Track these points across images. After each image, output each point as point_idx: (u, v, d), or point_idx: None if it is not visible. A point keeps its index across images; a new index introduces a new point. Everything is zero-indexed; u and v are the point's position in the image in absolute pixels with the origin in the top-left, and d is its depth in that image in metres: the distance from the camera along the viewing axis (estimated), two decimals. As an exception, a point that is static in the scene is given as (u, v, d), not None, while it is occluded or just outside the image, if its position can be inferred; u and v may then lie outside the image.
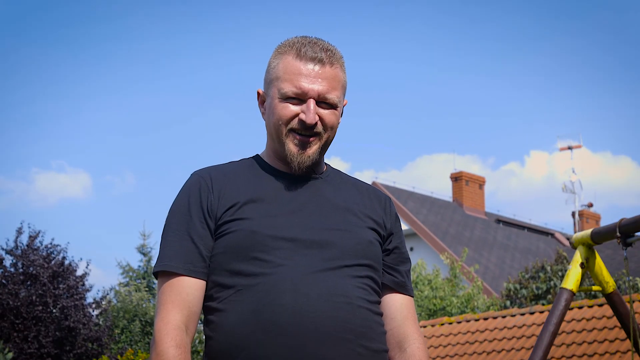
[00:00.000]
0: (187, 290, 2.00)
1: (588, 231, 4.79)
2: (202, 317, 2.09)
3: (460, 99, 37.74)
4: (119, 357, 12.09)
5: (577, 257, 4.76)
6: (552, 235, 29.84)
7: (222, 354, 1.97)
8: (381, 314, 2.09)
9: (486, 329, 9.85)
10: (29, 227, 15.31)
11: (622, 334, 8.23)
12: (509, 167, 43.00)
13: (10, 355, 12.38)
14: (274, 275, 1.96)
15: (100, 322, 15.74)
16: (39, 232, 15.36)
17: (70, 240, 42.72)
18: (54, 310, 14.61)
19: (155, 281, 5.50)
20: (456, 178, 28.51)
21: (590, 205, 30.22)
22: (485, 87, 37.36)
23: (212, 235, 2.05)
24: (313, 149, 2.09)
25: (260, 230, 2.00)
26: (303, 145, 2.08)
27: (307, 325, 1.92)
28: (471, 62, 36.62)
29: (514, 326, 9.61)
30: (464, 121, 38.54)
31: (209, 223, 2.05)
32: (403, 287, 2.17)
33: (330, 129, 2.10)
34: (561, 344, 8.71)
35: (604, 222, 25.89)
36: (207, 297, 2.04)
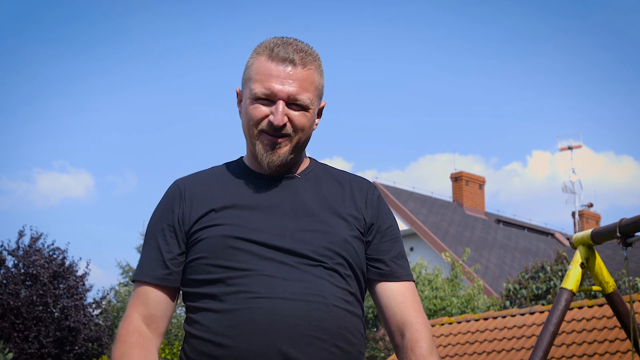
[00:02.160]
0: (147, 295, 2.08)
1: (588, 231, 4.78)
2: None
3: (462, 99, 37.79)
4: (119, 357, 12.07)
5: (577, 257, 4.76)
6: (552, 235, 29.84)
7: (198, 353, 1.99)
8: (359, 315, 2.06)
9: (486, 329, 9.86)
10: (31, 230, 15.35)
11: (622, 334, 8.23)
12: (511, 167, 43.05)
13: (10, 355, 12.39)
14: (248, 278, 1.98)
15: (101, 322, 15.75)
16: (41, 234, 15.39)
17: (71, 240, 42.75)
18: (55, 310, 14.62)
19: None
20: (456, 178, 28.50)
21: (590, 205, 30.23)
22: (486, 87, 37.41)
23: (182, 242, 2.09)
24: (283, 150, 2.08)
25: (232, 235, 2.02)
26: (272, 146, 2.08)
27: (281, 324, 1.93)
28: (473, 62, 36.67)
29: (514, 326, 9.62)
30: (466, 121, 38.60)
31: (177, 231, 2.09)
32: (391, 276, 2.12)
33: (301, 131, 2.09)
34: (561, 344, 8.71)
35: (604, 222, 25.90)
36: (187, 297, 2.09)
